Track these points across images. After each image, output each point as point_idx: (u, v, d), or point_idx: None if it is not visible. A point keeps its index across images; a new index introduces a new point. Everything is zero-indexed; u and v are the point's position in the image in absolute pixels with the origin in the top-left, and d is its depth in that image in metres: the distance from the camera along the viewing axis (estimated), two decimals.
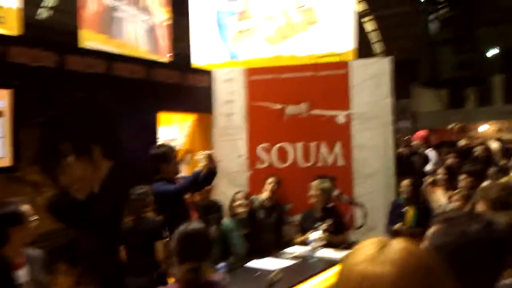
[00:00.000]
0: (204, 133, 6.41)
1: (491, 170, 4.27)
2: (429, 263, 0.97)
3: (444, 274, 1.01)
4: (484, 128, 19.15)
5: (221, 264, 3.88)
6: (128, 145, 4.94)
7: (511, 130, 17.42)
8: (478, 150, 6.03)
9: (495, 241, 1.40)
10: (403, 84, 24.89)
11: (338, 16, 7.02)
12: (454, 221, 1.44)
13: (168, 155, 4.49)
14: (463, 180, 4.96)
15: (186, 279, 2.81)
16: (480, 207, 4.09)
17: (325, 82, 6.17)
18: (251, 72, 6.42)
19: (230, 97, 6.37)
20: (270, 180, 5.77)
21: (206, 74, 6.45)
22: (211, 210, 5.33)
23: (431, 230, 1.46)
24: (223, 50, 7.30)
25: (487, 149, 6.46)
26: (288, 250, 4.89)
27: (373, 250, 0.97)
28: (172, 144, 5.89)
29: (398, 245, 0.98)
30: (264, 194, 5.74)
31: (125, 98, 5.12)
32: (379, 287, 0.91)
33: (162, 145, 4.76)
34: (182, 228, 2.95)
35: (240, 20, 7.36)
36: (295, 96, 6.28)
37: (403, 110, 23.96)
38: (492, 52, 24.63)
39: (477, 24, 21.87)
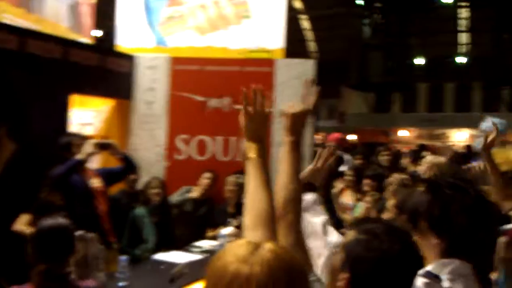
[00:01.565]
0: (122, 120, 6.23)
1: (395, 175, 4.48)
2: (294, 266, 1.03)
3: (306, 277, 1.06)
4: (405, 133, 20.09)
5: (123, 257, 3.79)
6: (37, 126, 4.70)
7: (431, 138, 18.38)
8: (385, 155, 6.29)
9: (416, 262, 1.41)
10: (333, 84, 25.70)
11: (270, 12, 7.03)
12: (374, 234, 1.39)
13: (71, 145, 4.33)
14: (366, 183, 5.17)
15: (38, 283, 2.42)
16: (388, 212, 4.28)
17: (250, 78, 6.10)
18: (176, 61, 6.31)
19: (152, 84, 6.22)
20: (207, 175, 5.69)
21: (128, 58, 6.26)
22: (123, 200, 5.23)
23: (347, 239, 1.43)
24: (149, 35, 7.11)
25: (396, 154, 6.75)
26: (197, 244, 4.88)
27: (245, 251, 1.01)
28: (86, 129, 5.70)
29: (268, 247, 1.02)
30: (197, 188, 5.66)
31: (38, 78, 4.86)
32: (249, 286, 0.95)
33: (68, 134, 4.61)
34: (40, 224, 2.62)
35: (170, 5, 7.19)
36: (219, 90, 6.24)
37: (331, 110, 24.70)
38: (418, 61, 25.87)
39: (407, 33, 22.88)
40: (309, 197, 2.11)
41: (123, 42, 7.04)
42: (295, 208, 1.66)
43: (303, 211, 2.09)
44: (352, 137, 19.06)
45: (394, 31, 22.06)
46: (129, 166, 4.65)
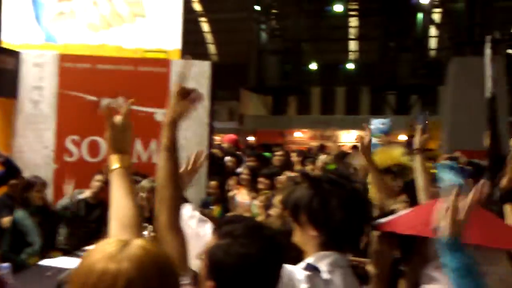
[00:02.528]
0: (6, 120, 5.83)
1: (286, 173, 4.67)
2: (166, 263, 1.03)
3: (177, 275, 1.07)
4: (299, 134, 20.87)
5: (5, 265, 3.55)
6: None
7: (323, 139, 19.25)
8: (278, 155, 6.52)
9: (278, 259, 1.41)
10: (233, 87, 26.02)
11: (166, 13, 6.98)
12: (235, 236, 1.37)
13: None
14: (261, 182, 5.32)
15: None
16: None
17: (145, 78, 6.08)
18: (65, 58, 6.04)
19: (38, 83, 5.90)
20: (98, 177, 5.45)
21: (13, 55, 5.88)
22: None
23: (209, 244, 1.41)
24: (38, 31, 6.74)
25: (288, 154, 7.03)
26: (88, 248, 4.70)
27: (113, 248, 0.99)
28: None
29: (137, 244, 1.01)
30: (88, 191, 5.41)
31: None
32: (116, 283, 0.93)
33: None
34: None
35: (60, 1, 6.88)
36: (112, 89, 6.05)
37: (231, 112, 24.99)
38: (312, 66, 27.05)
39: (301, 39, 23.83)
40: (187, 212, 2.13)
41: (9, 38, 6.61)
42: (168, 210, 1.62)
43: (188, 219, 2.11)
44: (250, 139, 19.44)
45: (289, 37, 22.86)
46: (10, 171, 4.37)
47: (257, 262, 1.33)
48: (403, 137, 16.97)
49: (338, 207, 1.65)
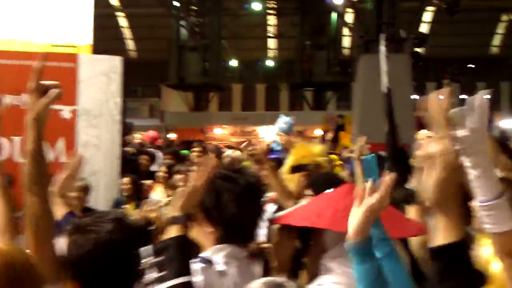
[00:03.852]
0: None
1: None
2: (21, 263, 1.03)
3: (36, 277, 1.05)
4: (220, 131, 20.91)
5: None
6: None
7: (243, 135, 19.43)
8: (196, 151, 6.50)
9: (127, 240, 1.43)
10: (154, 83, 25.54)
11: (76, 7, 6.71)
12: (84, 228, 1.39)
13: None
14: (176, 179, 5.28)
15: None
16: None
17: (50, 74, 5.72)
18: None
19: None
20: None
21: None
22: None
23: (62, 243, 1.40)
24: None
25: (207, 150, 7.00)
26: None
27: None
28: None
29: None
30: None
31: None
32: None
33: None
34: None
35: None
36: (16, 86, 5.71)
37: (152, 109, 24.53)
38: (233, 63, 27.18)
39: (221, 36, 23.85)
40: None
41: None
42: (32, 220, 1.50)
43: None
44: (172, 135, 19.18)
45: (209, 34, 22.80)
46: None
47: (107, 244, 1.35)
48: (319, 132, 17.58)
49: (231, 202, 1.67)
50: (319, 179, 2.38)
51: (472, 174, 1.23)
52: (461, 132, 1.23)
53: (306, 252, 1.88)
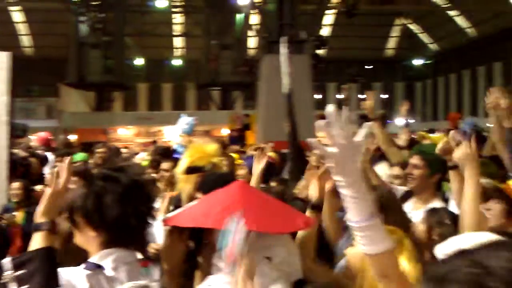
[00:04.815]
0: None
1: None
2: None
3: None
4: (124, 131, 20.26)
5: None
6: None
7: (148, 135, 18.98)
8: (100, 152, 6.21)
9: None
10: (51, 82, 24.18)
11: None
12: None
13: None
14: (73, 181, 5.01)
15: None
16: None
17: None
18: None
19: None
20: None
21: None
22: None
23: None
24: None
25: (114, 152, 6.69)
26: None
27: None
28: None
29: None
30: None
31: None
32: None
33: None
34: None
35: None
36: None
37: (50, 109, 23.19)
38: (138, 61, 26.51)
39: (125, 33, 23.13)
40: None
41: None
42: None
43: None
44: (73, 137, 18.23)
45: (112, 30, 22.02)
46: None
47: None
48: (225, 131, 17.64)
49: (113, 203, 1.58)
50: (208, 180, 2.35)
51: (345, 193, 1.21)
52: (330, 149, 1.18)
53: (199, 252, 1.84)
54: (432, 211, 2.34)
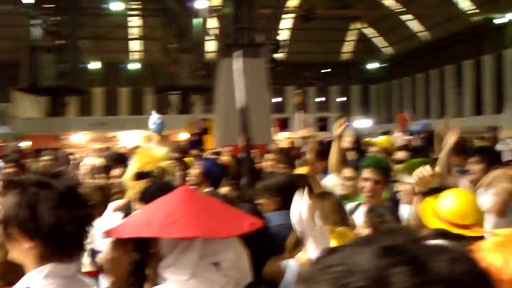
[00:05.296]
0: None
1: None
2: None
3: None
4: (79, 137, 19.74)
5: None
6: None
7: (104, 141, 18.58)
8: (47, 160, 6.02)
9: None
10: (3, 87, 23.35)
11: None
12: None
13: None
14: None
15: None
16: None
17: None
18: None
19: None
20: None
21: None
22: None
23: None
24: None
25: (63, 158, 6.50)
26: None
27: None
28: None
29: None
30: None
31: None
32: None
33: None
34: None
35: None
36: None
37: (2, 115, 22.38)
38: (93, 65, 25.94)
39: (79, 37, 22.59)
40: None
41: None
42: None
43: None
44: (26, 143, 17.63)
45: (66, 34, 21.47)
46: None
47: None
48: (185, 136, 17.45)
49: (48, 211, 1.50)
50: (149, 189, 2.29)
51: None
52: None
53: (146, 263, 1.78)
54: (370, 211, 2.38)
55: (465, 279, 0.52)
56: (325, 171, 3.87)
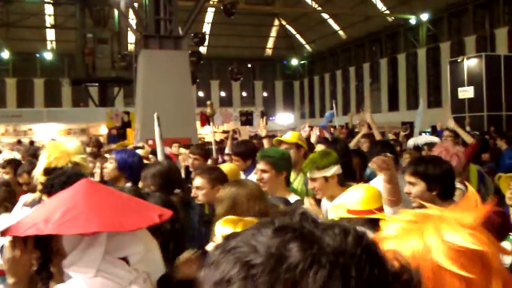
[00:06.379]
0: None
1: None
2: None
3: None
4: None
5: None
6: None
7: (17, 134, 17.52)
8: None
9: None
10: None
11: None
12: None
13: None
14: None
15: None
16: None
17: None
18: None
19: None
20: None
21: None
22: None
23: None
24: None
25: None
26: None
27: None
28: None
29: None
30: None
31: None
32: None
33: None
34: None
35: None
36: None
37: None
38: (4, 54, 24.38)
39: None
40: None
41: None
42: None
43: None
44: None
45: None
46: None
47: None
48: (104, 129, 16.87)
49: None
50: (52, 181, 2.18)
51: None
52: None
53: (50, 261, 1.70)
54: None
55: (353, 250, 0.58)
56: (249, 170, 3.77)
